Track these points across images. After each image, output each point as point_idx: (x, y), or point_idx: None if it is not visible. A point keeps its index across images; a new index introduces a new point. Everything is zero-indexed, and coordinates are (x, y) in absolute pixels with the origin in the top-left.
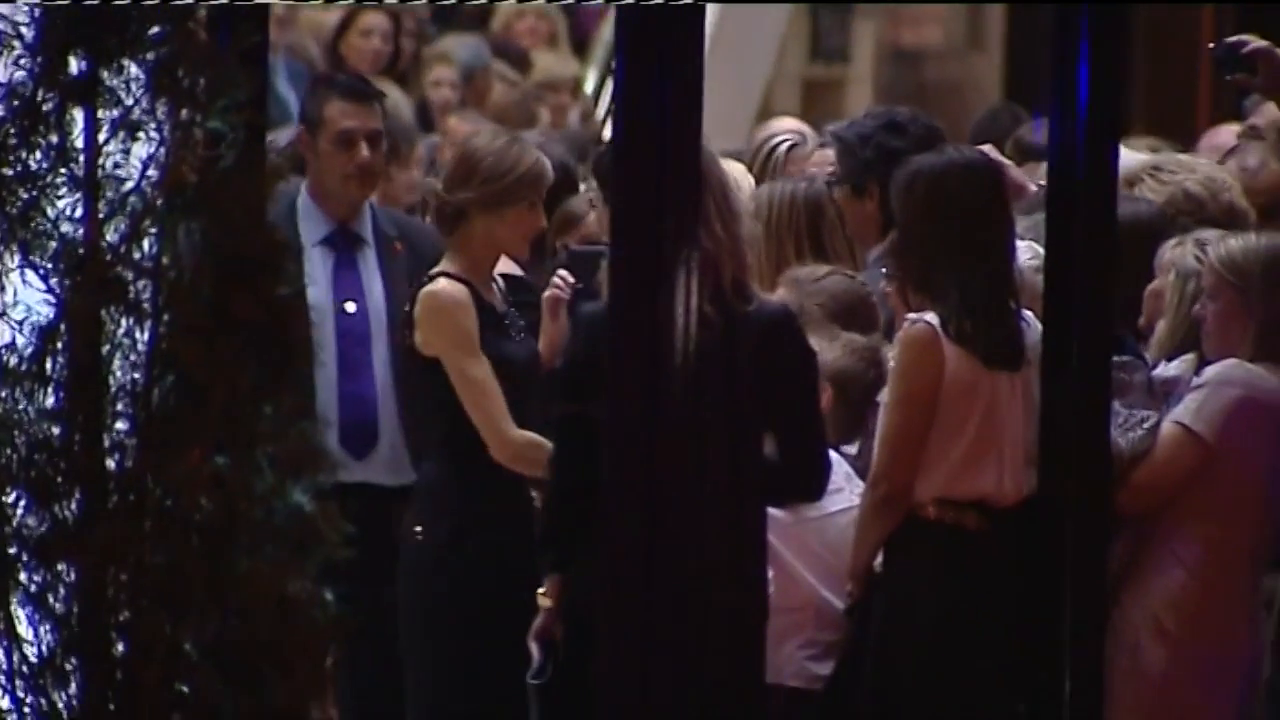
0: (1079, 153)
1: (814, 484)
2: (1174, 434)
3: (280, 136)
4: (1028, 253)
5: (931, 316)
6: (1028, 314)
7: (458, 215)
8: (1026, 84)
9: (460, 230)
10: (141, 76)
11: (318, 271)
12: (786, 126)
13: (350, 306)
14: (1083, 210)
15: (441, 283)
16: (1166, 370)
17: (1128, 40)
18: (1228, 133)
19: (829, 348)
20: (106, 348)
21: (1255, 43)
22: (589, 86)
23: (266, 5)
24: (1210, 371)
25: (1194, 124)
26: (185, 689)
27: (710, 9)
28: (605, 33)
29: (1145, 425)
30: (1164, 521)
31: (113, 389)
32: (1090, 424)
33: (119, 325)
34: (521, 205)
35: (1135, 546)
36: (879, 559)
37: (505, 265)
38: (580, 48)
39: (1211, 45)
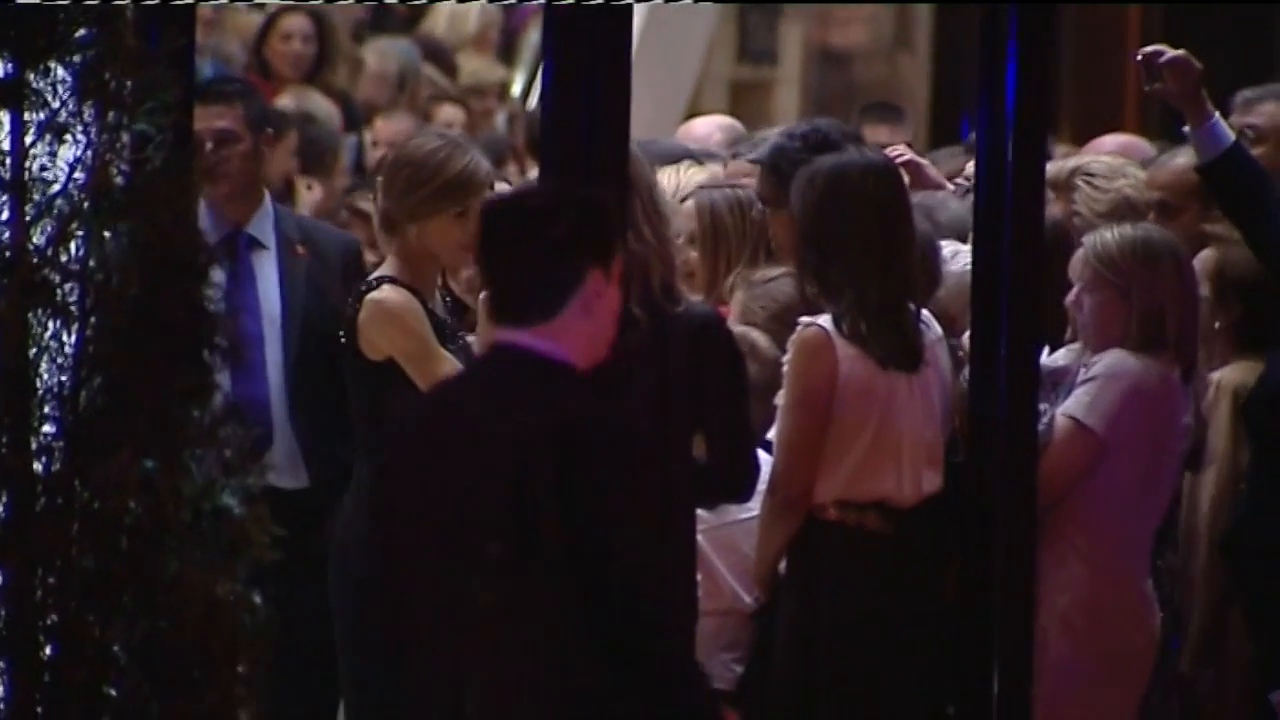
0: (1007, 152)
1: (743, 484)
2: (1067, 427)
3: None
4: (949, 249)
5: (824, 319)
6: (925, 314)
7: (392, 223)
8: (954, 85)
9: (397, 238)
10: (68, 79)
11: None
12: (711, 124)
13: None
14: (1011, 209)
15: (385, 289)
16: (1054, 360)
17: (1055, 41)
18: (1113, 141)
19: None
20: (34, 350)
21: (1171, 53)
22: (517, 89)
23: (192, 7)
24: (1100, 364)
25: (1121, 124)
26: (114, 692)
27: (638, 10)
28: (533, 35)
29: (1043, 420)
30: (1060, 515)
31: (40, 391)
32: (1018, 419)
33: (46, 328)
34: (447, 213)
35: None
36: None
37: None
38: (508, 51)
39: (1136, 55)
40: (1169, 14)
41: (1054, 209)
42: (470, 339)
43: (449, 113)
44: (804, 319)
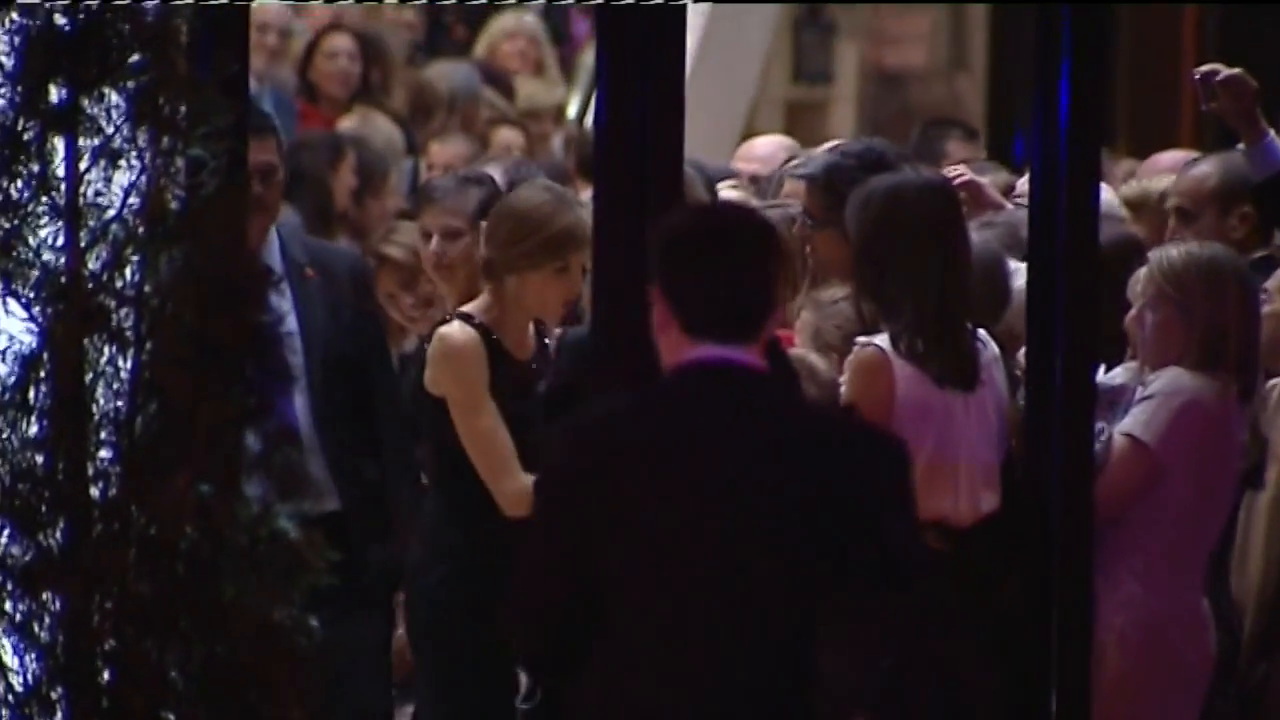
0: (1061, 169)
1: None
2: (1124, 446)
3: None
4: (1014, 266)
5: (882, 339)
6: (982, 334)
7: (492, 269)
8: (1010, 106)
9: (494, 281)
10: (122, 104)
11: None
12: (773, 144)
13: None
14: (1065, 225)
15: (455, 326)
16: (1112, 378)
17: (1109, 56)
18: (1170, 158)
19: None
20: (90, 376)
21: (1226, 71)
22: (572, 111)
23: (245, 33)
24: (1158, 382)
25: (1178, 133)
26: (171, 717)
27: (693, 30)
28: (588, 57)
29: (1098, 438)
30: (1117, 534)
31: (96, 417)
32: (1074, 436)
33: (102, 353)
34: (547, 268)
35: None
36: None
37: None
38: (564, 73)
39: (1194, 74)
40: (1224, 21)
41: (1131, 227)
42: None
43: (507, 135)
44: (860, 339)
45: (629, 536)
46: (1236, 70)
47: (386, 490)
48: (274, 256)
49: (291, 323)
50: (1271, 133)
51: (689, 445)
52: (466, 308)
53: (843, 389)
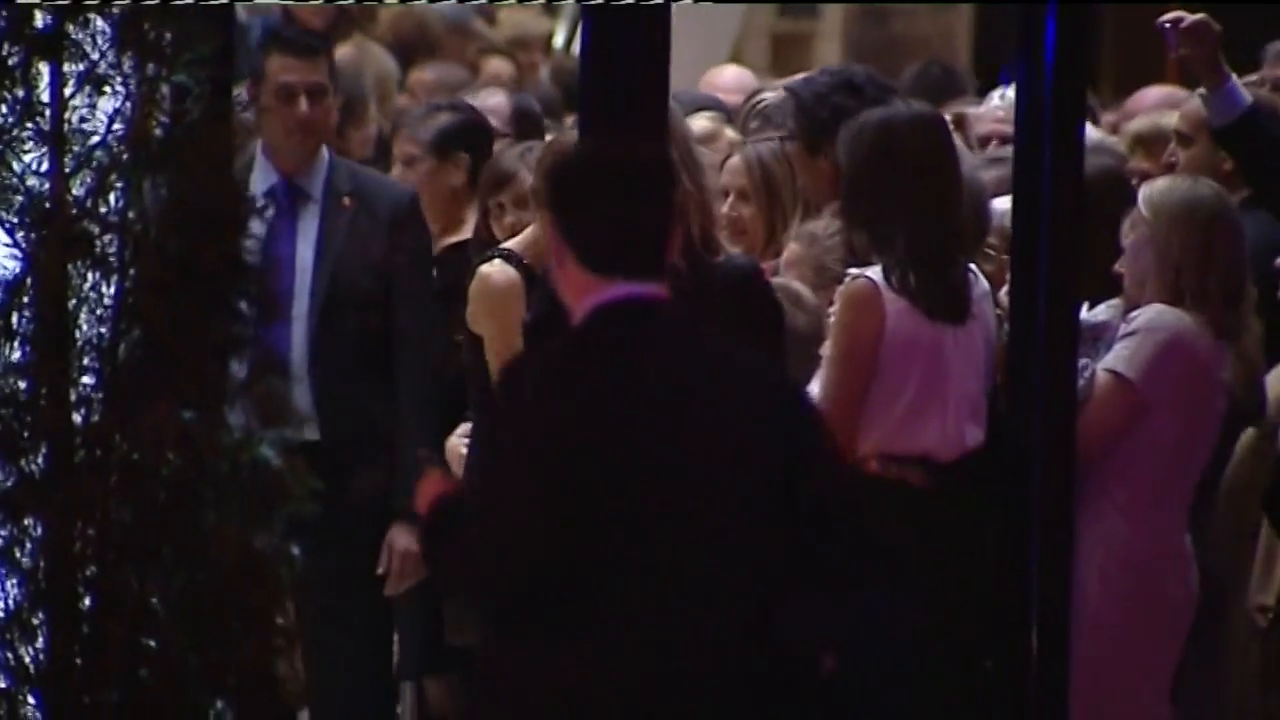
0: (1046, 107)
1: None
2: (1107, 381)
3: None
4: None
5: (873, 272)
6: (973, 267)
7: (538, 200)
8: (996, 37)
9: (541, 210)
10: (107, 30)
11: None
12: (738, 74)
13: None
14: (1050, 162)
15: (497, 265)
16: (1094, 315)
17: None
18: (1155, 93)
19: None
20: (73, 302)
21: (1189, 18)
22: (559, 40)
23: None
24: (1140, 318)
25: (1163, 75)
26: (152, 643)
27: None
28: None
29: (1081, 374)
30: (1100, 469)
31: (79, 343)
32: (1057, 372)
33: (85, 280)
34: None
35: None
36: None
37: None
38: (550, 8)
39: (1158, 24)
40: None
41: (1144, 164)
42: None
43: (497, 65)
44: (852, 270)
45: (594, 482)
46: (1200, 16)
47: (395, 426)
48: (317, 181)
49: (306, 248)
50: (1233, 77)
51: (641, 386)
52: (512, 243)
53: (830, 319)
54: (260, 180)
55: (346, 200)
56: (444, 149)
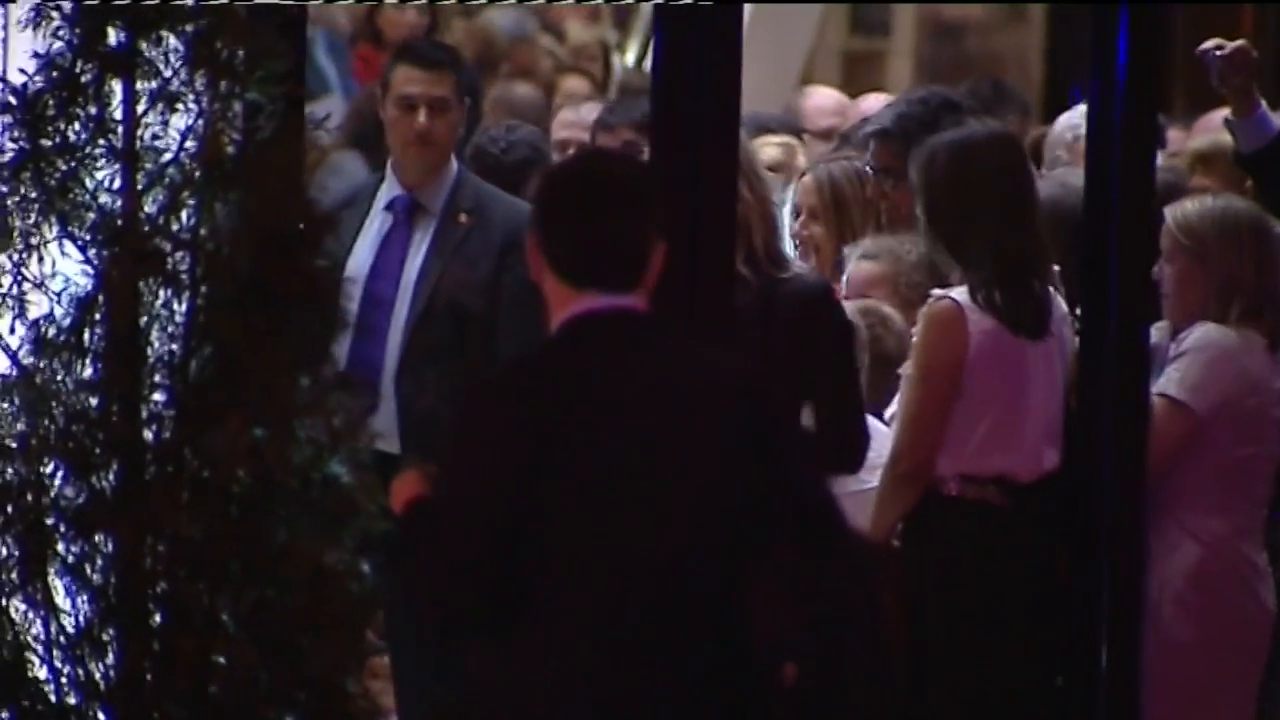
0: (1117, 126)
1: (852, 455)
2: (1161, 406)
3: (319, 109)
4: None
5: (956, 292)
6: (1051, 290)
7: None
8: (1068, 56)
9: None
10: (180, 48)
11: (373, 234)
12: (826, 97)
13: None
14: (1121, 182)
15: None
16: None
17: (1169, 12)
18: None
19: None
20: (144, 319)
21: (1229, 46)
22: (630, 58)
23: None
24: (1189, 339)
25: None
26: (222, 659)
27: None
28: (647, 6)
29: None
30: (1165, 493)
31: (150, 360)
32: (1128, 394)
33: (157, 297)
34: None
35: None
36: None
37: None
38: (622, 23)
39: (1198, 53)
40: None
41: (1204, 181)
42: None
43: (573, 83)
44: (936, 291)
45: (560, 492)
46: (1240, 43)
47: None
48: (439, 196)
49: (414, 263)
50: (1264, 104)
51: (606, 394)
52: None
53: (914, 341)
54: (385, 193)
55: (464, 217)
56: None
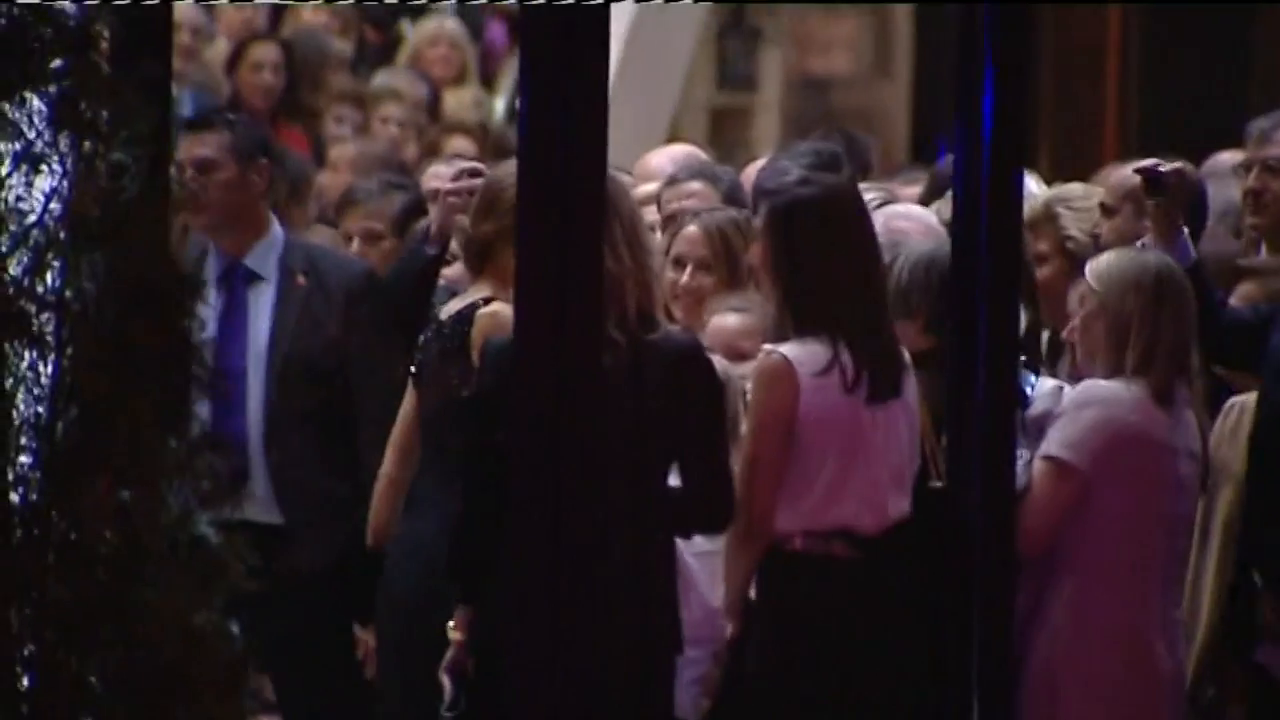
0: (984, 180)
1: (719, 514)
2: (1044, 469)
3: None
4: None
5: (786, 347)
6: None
7: (484, 249)
8: (934, 110)
9: (489, 264)
10: (43, 109)
11: (210, 306)
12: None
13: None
14: (988, 236)
15: (496, 305)
16: (1034, 409)
17: (1033, 68)
18: (1228, 157)
19: None
20: (10, 381)
21: (1167, 166)
22: (498, 114)
23: (169, 37)
24: (1067, 398)
25: (1100, 151)
26: None
27: (617, 37)
28: (513, 63)
29: (1020, 463)
30: (1057, 556)
31: (16, 422)
32: (995, 443)
33: (22, 359)
34: None
35: (1038, 587)
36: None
37: None
38: (488, 81)
39: (1136, 170)
40: (1145, 40)
41: (1040, 246)
42: None
43: (460, 144)
44: (766, 346)
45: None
46: (1178, 165)
47: (359, 506)
48: (269, 260)
49: (264, 324)
50: (1185, 233)
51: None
52: (479, 294)
53: (747, 395)
54: (213, 264)
55: (301, 279)
56: (406, 226)
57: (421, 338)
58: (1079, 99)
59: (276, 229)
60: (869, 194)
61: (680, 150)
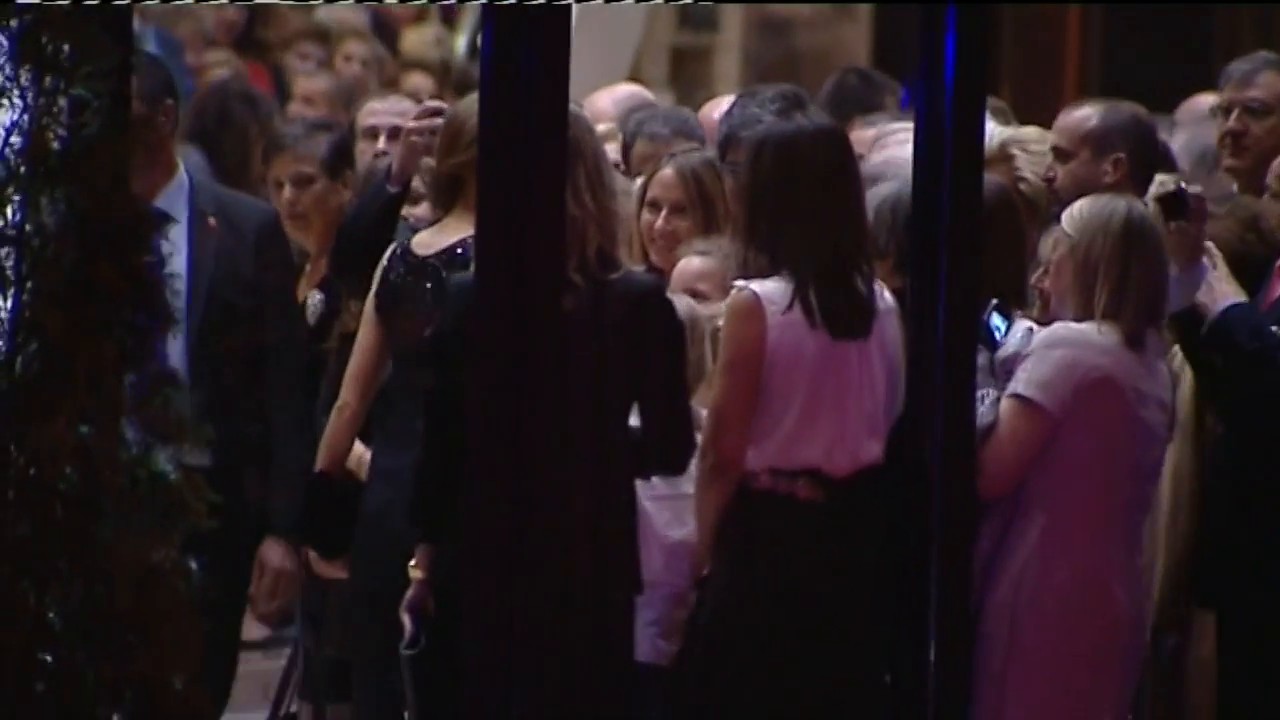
0: (947, 119)
1: (679, 456)
2: (1011, 407)
3: None
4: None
5: (757, 284)
6: (877, 282)
7: (453, 184)
8: (894, 51)
9: (460, 198)
10: (5, 43)
11: None
12: (624, 93)
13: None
14: (950, 176)
15: None
16: (1005, 350)
17: (996, 10)
18: (1206, 100)
19: None
20: None
21: (1190, 189)
22: (461, 48)
23: None
24: (1037, 338)
25: (1060, 89)
26: (49, 658)
27: None
28: (474, 4)
29: (986, 402)
30: (1022, 495)
31: None
32: (956, 384)
33: None
34: None
35: (1003, 527)
36: None
37: None
38: (449, 19)
39: (1156, 198)
40: None
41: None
42: None
43: (417, 80)
44: (738, 283)
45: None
46: (1197, 191)
47: (271, 442)
48: (179, 202)
49: (180, 265)
50: (1206, 262)
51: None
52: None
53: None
54: None
55: (212, 221)
56: (336, 167)
57: (385, 268)
58: (1039, 42)
59: (182, 171)
60: (897, 128)
61: (625, 90)
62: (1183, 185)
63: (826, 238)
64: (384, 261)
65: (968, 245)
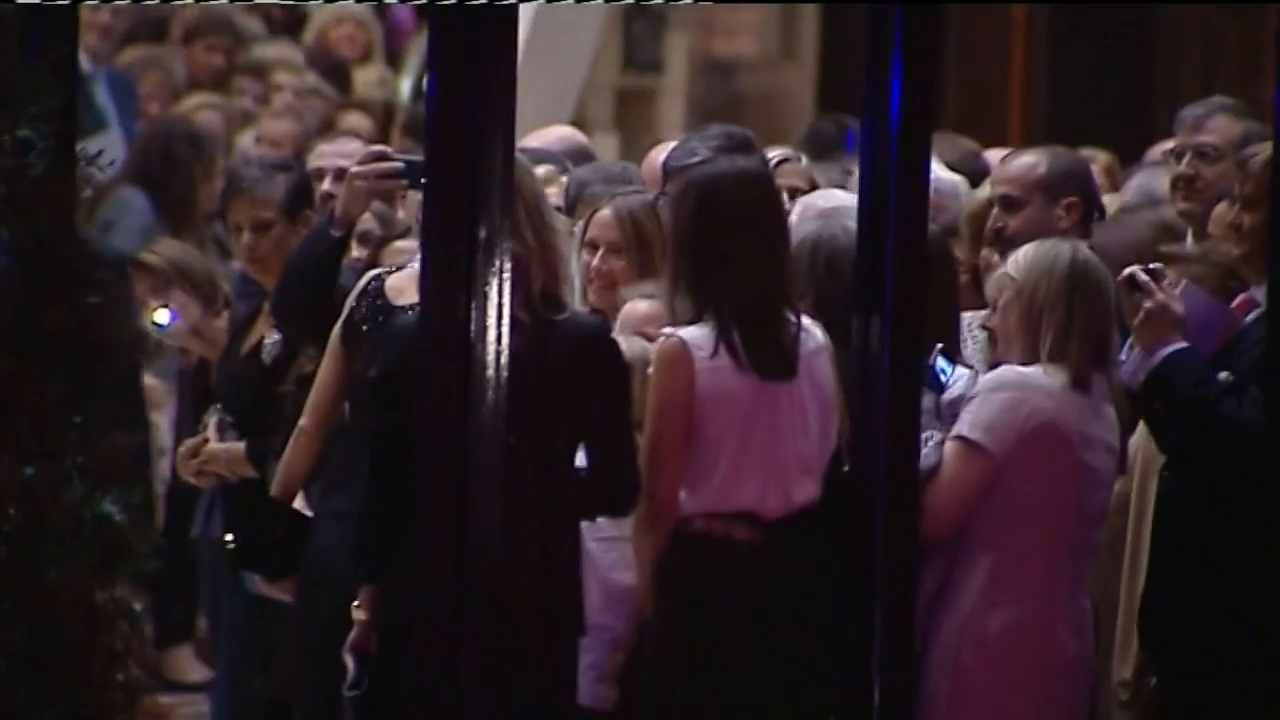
0: (892, 163)
1: (625, 497)
2: (954, 449)
3: (95, 145)
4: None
5: (685, 331)
6: (807, 322)
7: None
8: (839, 94)
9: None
10: None
11: None
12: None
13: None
14: (895, 217)
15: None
16: (950, 393)
17: (940, 48)
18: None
19: None
20: None
21: (1152, 266)
22: (405, 90)
23: (75, 16)
24: (981, 381)
25: (1006, 131)
26: None
27: (524, 18)
28: (420, 42)
29: (930, 444)
30: (969, 537)
31: None
32: (899, 424)
33: None
34: None
35: (947, 568)
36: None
37: None
38: (394, 60)
39: (1120, 280)
40: (1053, 20)
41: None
42: None
43: (355, 120)
44: (666, 329)
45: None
46: (1156, 266)
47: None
48: None
49: None
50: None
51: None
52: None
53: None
54: None
55: None
56: (294, 209)
57: (353, 306)
58: (986, 77)
59: None
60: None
61: (558, 133)
62: (1139, 268)
63: (751, 280)
64: (353, 296)
65: (913, 287)
